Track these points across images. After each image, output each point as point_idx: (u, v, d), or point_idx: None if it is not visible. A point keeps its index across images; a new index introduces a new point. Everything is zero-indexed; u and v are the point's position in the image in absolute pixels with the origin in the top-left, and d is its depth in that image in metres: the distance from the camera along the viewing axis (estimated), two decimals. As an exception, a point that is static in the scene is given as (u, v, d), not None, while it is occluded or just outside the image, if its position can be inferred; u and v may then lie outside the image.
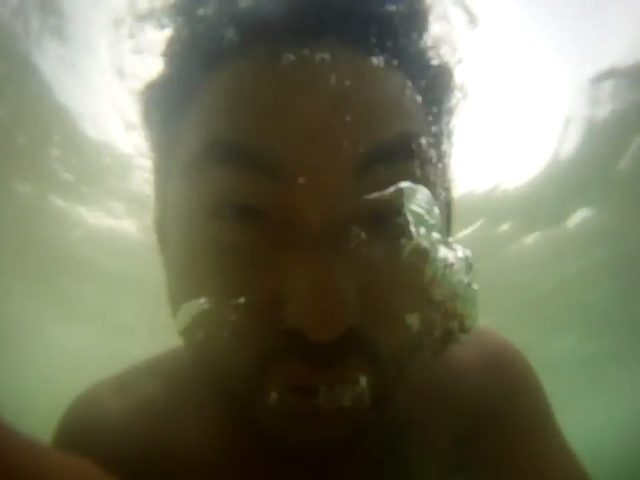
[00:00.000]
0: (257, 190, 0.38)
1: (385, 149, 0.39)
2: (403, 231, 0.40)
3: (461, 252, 0.43)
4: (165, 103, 0.46)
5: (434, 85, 0.46)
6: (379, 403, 0.43)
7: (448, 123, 0.49)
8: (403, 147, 0.40)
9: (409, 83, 0.43)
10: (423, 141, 0.41)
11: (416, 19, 0.43)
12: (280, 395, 0.40)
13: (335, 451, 0.43)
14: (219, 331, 0.40)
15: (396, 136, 0.39)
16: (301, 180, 0.37)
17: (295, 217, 0.38)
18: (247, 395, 0.42)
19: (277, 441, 0.43)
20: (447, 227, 0.49)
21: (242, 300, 0.39)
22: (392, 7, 0.40)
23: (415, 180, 0.40)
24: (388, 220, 0.40)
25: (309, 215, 0.38)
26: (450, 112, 0.49)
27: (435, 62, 0.46)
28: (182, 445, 0.54)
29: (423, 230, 0.40)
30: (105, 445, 0.54)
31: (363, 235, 0.39)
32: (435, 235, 0.41)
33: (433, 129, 0.45)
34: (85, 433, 0.55)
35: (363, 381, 0.41)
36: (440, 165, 0.45)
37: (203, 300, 0.40)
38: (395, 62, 0.41)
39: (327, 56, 0.39)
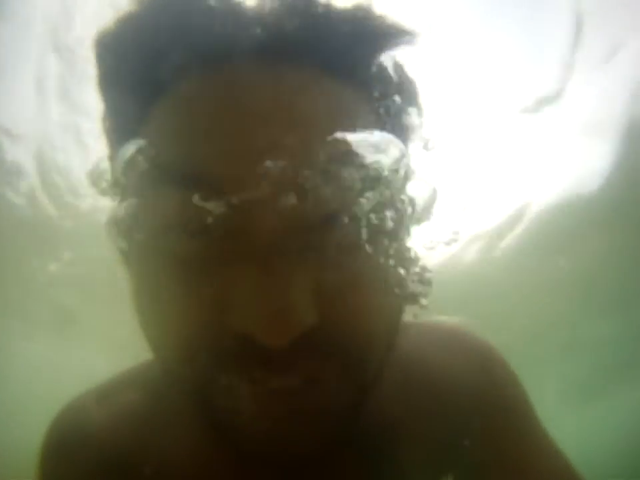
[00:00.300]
0: (201, 208, 0.39)
1: (319, 159, 0.39)
2: (351, 225, 0.40)
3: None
4: (114, 130, 0.47)
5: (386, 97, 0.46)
6: (351, 404, 0.43)
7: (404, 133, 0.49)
8: (338, 156, 0.39)
9: (353, 95, 0.43)
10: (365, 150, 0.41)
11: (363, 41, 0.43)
12: (243, 399, 0.41)
13: (311, 456, 0.44)
14: (178, 342, 0.41)
15: (329, 146, 0.39)
16: (240, 195, 0.37)
17: (240, 229, 0.38)
18: (212, 400, 0.43)
19: (250, 449, 0.44)
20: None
21: (193, 310, 0.40)
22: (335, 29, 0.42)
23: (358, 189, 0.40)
24: (336, 219, 0.40)
25: (252, 227, 0.38)
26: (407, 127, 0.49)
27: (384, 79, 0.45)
28: (165, 453, 0.55)
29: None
30: (92, 455, 0.56)
31: (312, 236, 0.39)
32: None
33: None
34: (71, 443, 0.57)
35: (328, 382, 0.41)
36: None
37: (160, 312, 0.42)
38: (338, 76, 0.42)
39: (258, 74, 0.41)
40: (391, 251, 0.44)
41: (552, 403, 5.92)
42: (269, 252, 0.38)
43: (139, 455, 0.56)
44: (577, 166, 3.61)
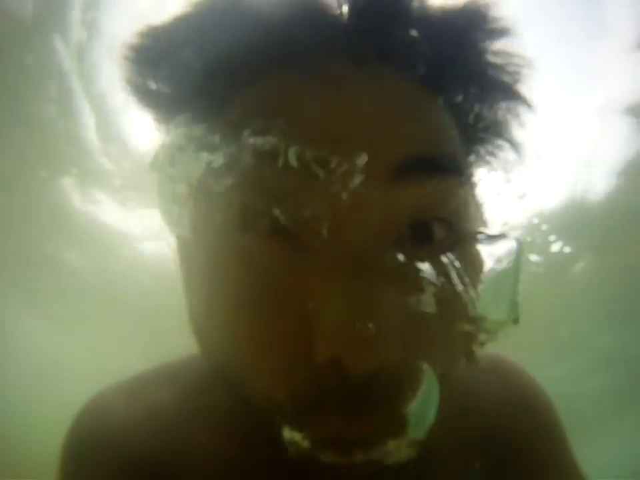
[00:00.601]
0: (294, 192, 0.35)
1: (419, 159, 0.37)
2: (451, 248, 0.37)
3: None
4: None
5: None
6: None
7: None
8: (437, 162, 0.37)
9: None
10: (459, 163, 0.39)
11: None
12: (310, 445, 0.36)
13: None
14: (248, 358, 0.37)
15: (429, 150, 0.38)
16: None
17: (332, 226, 0.35)
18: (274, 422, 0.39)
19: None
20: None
21: (271, 325, 0.36)
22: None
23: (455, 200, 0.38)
24: (433, 238, 0.37)
25: (347, 223, 0.35)
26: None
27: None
28: (196, 454, 0.52)
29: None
30: (117, 451, 0.53)
31: (406, 255, 0.36)
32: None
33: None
34: (96, 442, 0.54)
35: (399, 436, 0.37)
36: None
37: (227, 322, 0.37)
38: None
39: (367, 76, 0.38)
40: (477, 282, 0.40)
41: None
42: (363, 264, 0.34)
43: (168, 456, 0.52)
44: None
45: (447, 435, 0.55)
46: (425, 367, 0.36)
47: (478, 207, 0.42)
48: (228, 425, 0.52)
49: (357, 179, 0.34)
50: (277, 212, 0.36)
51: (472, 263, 0.39)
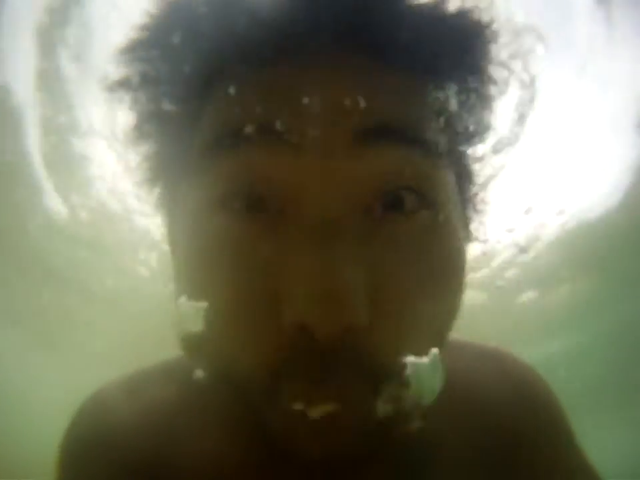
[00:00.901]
0: (264, 167, 0.38)
1: (380, 127, 0.38)
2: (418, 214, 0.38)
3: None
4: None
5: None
6: (395, 419, 0.40)
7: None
8: (399, 131, 0.38)
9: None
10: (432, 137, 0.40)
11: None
12: (288, 410, 0.38)
13: (349, 459, 0.42)
14: (221, 332, 0.39)
15: (391, 120, 0.38)
16: (305, 151, 0.36)
17: (299, 197, 0.37)
18: (253, 400, 0.40)
19: (288, 449, 0.41)
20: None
21: (242, 295, 0.38)
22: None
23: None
24: (399, 204, 0.38)
25: (314, 192, 0.36)
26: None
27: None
28: (193, 450, 0.53)
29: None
30: (115, 449, 0.53)
31: (372, 220, 0.37)
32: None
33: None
34: (94, 440, 0.54)
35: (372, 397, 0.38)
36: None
37: (202, 298, 0.39)
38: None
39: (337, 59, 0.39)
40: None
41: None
42: (327, 231, 0.35)
43: (166, 453, 0.53)
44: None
45: (450, 432, 0.56)
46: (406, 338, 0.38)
47: (455, 181, 0.44)
48: (223, 422, 0.53)
49: (322, 146, 0.36)
50: (251, 188, 0.38)
51: (443, 234, 0.40)
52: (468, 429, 0.57)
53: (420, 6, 0.40)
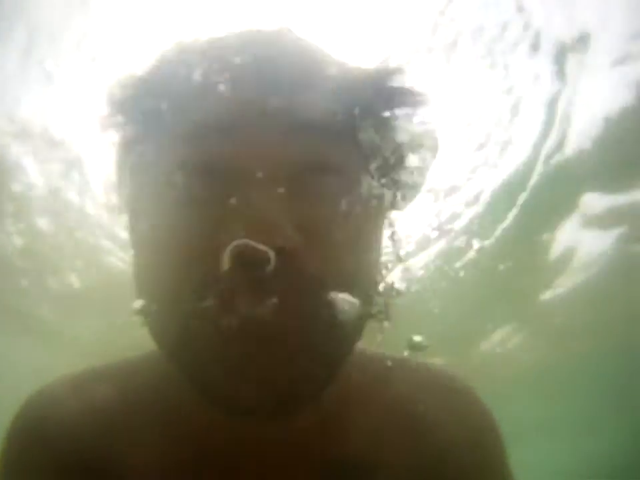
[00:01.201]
0: (210, 148, 0.46)
1: (306, 119, 0.47)
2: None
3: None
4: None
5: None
6: (323, 351, 0.45)
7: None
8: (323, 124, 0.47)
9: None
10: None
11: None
12: (221, 324, 0.42)
13: (283, 402, 0.43)
14: (168, 257, 0.46)
15: (318, 114, 0.47)
16: (242, 137, 0.45)
17: (239, 167, 0.45)
18: (192, 319, 0.43)
19: (224, 397, 0.43)
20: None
21: (189, 233, 0.45)
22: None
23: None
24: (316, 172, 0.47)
25: (250, 162, 0.45)
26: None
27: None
28: (132, 446, 0.54)
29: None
30: (58, 443, 0.54)
31: (298, 180, 0.46)
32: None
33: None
34: (39, 432, 0.55)
35: (302, 317, 0.43)
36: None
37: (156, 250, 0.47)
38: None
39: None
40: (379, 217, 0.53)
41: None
42: (262, 187, 0.43)
43: (109, 448, 0.54)
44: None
45: (383, 439, 0.59)
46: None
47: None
48: (163, 420, 0.55)
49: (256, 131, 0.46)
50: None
51: (348, 190, 0.49)
52: (402, 441, 0.59)
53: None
